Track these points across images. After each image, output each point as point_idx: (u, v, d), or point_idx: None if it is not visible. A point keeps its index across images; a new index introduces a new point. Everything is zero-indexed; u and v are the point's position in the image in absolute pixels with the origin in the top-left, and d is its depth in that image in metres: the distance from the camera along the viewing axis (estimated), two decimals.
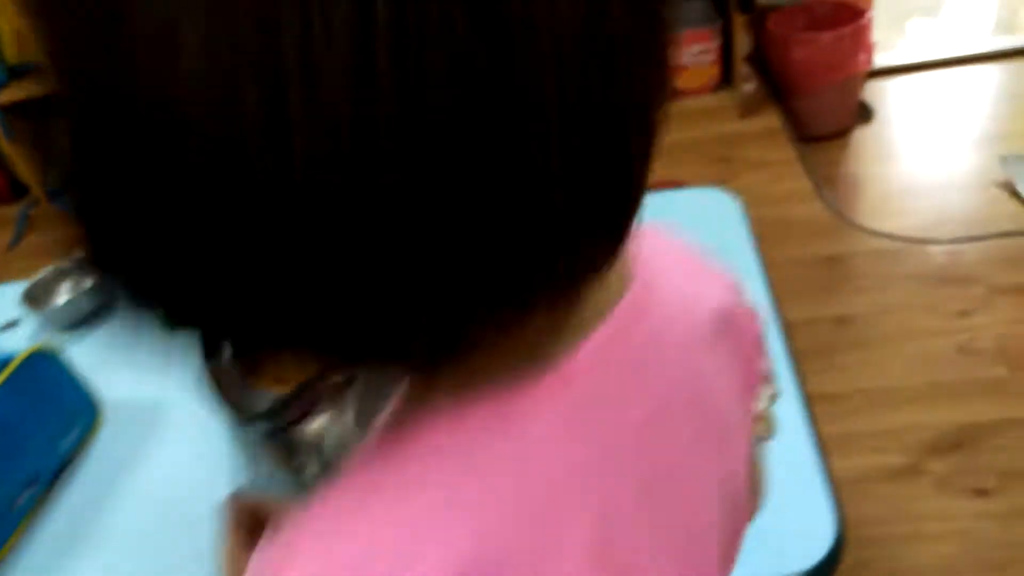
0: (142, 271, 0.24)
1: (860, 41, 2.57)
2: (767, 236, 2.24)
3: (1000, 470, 1.56)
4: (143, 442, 0.99)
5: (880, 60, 2.90)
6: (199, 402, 0.82)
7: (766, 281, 1.13)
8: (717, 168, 2.55)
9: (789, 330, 1.91)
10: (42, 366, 0.97)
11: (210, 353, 0.81)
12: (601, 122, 0.25)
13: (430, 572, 0.27)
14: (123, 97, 0.21)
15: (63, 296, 1.24)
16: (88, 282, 1.21)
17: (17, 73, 2.90)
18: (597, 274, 0.30)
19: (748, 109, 2.73)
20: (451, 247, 0.23)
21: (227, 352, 0.81)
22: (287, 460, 0.81)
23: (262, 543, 0.32)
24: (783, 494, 0.57)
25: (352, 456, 0.33)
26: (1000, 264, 1.98)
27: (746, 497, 0.48)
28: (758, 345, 0.50)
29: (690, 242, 0.55)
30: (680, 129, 2.72)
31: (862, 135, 2.73)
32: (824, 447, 0.87)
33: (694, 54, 2.67)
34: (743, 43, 2.66)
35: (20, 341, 1.17)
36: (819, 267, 2.10)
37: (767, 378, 0.51)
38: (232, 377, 0.82)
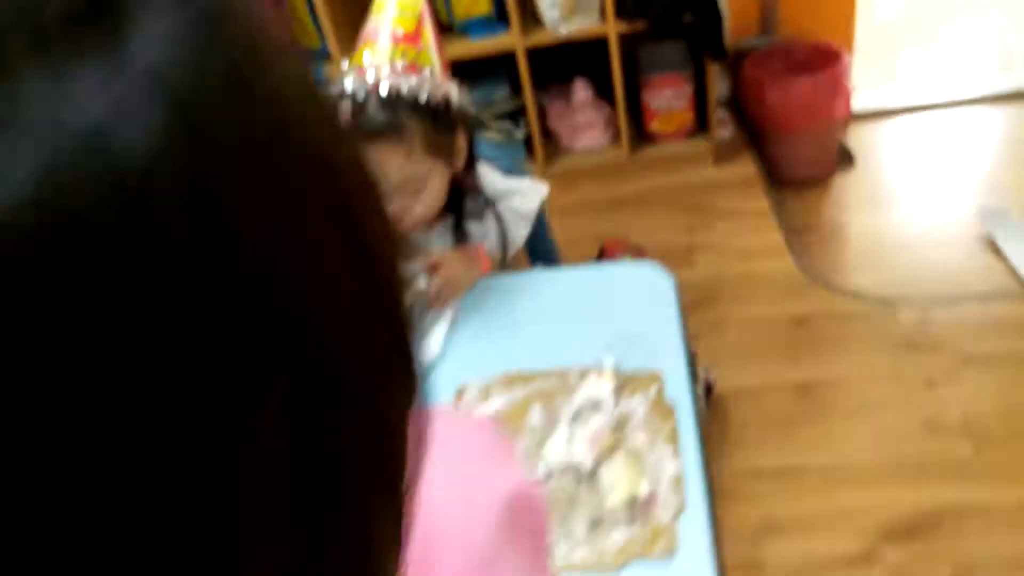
0: None
1: (837, 86, 2.50)
2: (733, 292, 2.19)
3: (957, 560, 1.47)
4: None
5: (865, 102, 2.83)
6: None
7: (687, 360, 1.07)
8: (689, 216, 2.47)
9: (748, 397, 1.84)
10: None
11: None
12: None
13: None
14: None
15: None
16: None
17: None
18: None
19: (723, 156, 2.66)
20: None
21: None
22: None
23: None
24: None
25: None
26: (971, 330, 1.89)
27: None
28: (545, 524, 0.49)
29: (482, 427, 0.51)
30: (652, 175, 2.66)
31: (842, 182, 2.65)
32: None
33: (667, 99, 2.60)
34: (717, 88, 2.59)
35: None
36: (784, 328, 2.02)
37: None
38: None
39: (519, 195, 1.32)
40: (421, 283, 1.19)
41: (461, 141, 1.24)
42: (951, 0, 3.35)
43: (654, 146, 2.70)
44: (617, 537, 0.87)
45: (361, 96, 1.11)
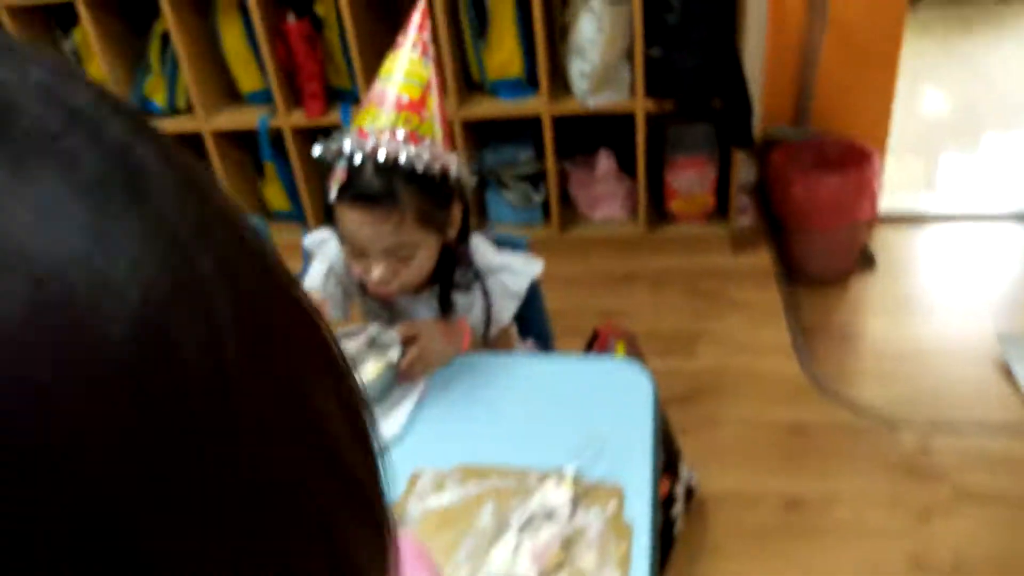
0: None
1: (866, 187, 2.45)
2: (732, 389, 2.13)
3: None
4: None
5: (894, 204, 2.78)
6: None
7: (654, 477, 1.01)
8: (698, 303, 2.42)
9: (732, 502, 1.77)
10: None
11: None
12: None
13: None
14: None
15: None
16: None
17: None
18: None
19: (740, 244, 2.61)
20: None
21: None
22: None
23: None
24: None
25: None
26: (974, 463, 1.81)
27: None
28: None
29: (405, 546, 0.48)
30: (666, 255, 2.61)
31: (861, 285, 2.59)
32: None
33: (690, 180, 2.57)
34: (742, 175, 2.56)
35: None
36: (780, 434, 1.94)
37: None
38: None
39: (510, 272, 1.28)
40: (395, 354, 1.15)
41: (456, 212, 1.21)
42: (1000, 105, 3.30)
43: (672, 226, 2.66)
44: None
45: (358, 159, 1.08)
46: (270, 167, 2.80)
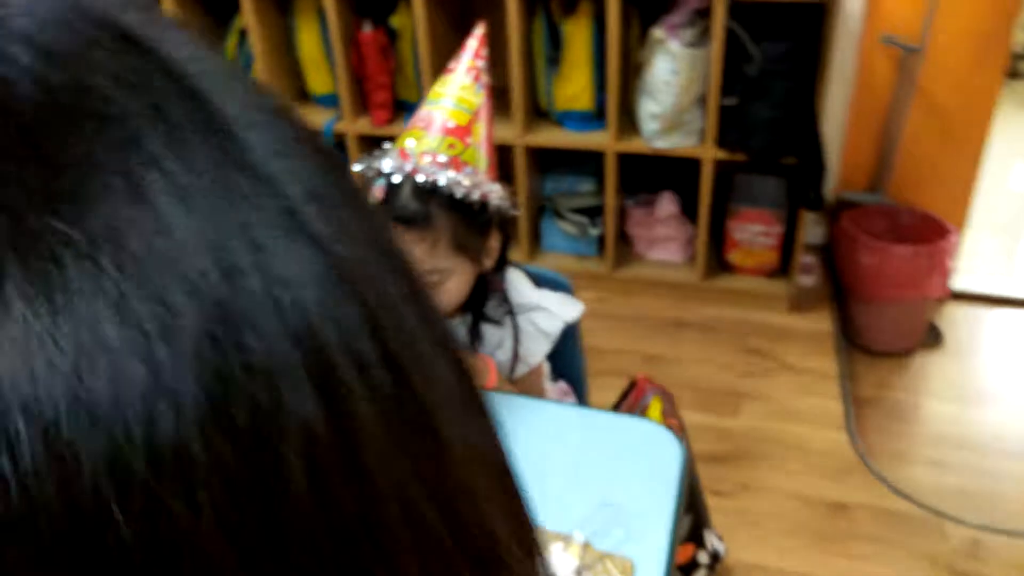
0: None
1: (939, 264, 2.33)
2: (773, 455, 2.02)
3: None
4: None
5: (969, 282, 2.64)
6: None
7: (671, 542, 0.94)
8: (748, 360, 2.32)
9: None
10: None
11: None
12: None
13: None
14: None
15: None
16: None
17: None
18: None
19: (800, 304, 2.50)
20: None
21: None
22: None
23: None
24: None
25: None
26: (1019, 572, 1.67)
27: None
28: None
29: None
30: (720, 306, 2.52)
31: (923, 362, 2.45)
32: None
33: (753, 233, 2.47)
34: (809, 234, 2.46)
35: None
36: (819, 511, 1.83)
37: None
38: None
39: (545, 312, 1.22)
40: None
41: (494, 242, 1.16)
42: None
43: (730, 276, 2.57)
44: None
45: (397, 179, 1.05)
46: None
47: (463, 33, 2.63)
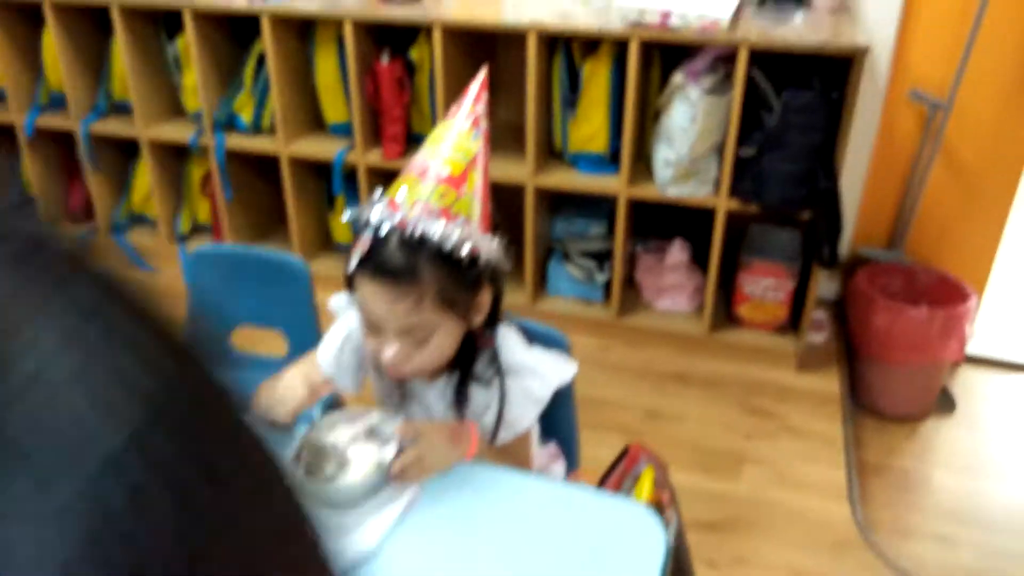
0: None
1: (955, 328, 2.25)
2: (771, 525, 1.94)
3: None
4: None
5: (985, 347, 2.56)
6: None
7: None
8: (752, 421, 2.25)
9: None
10: None
11: None
12: None
13: None
14: None
15: None
16: None
17: (118, 108, 2.97)
18: None
19: (809, 363, 2.43)
20: None
21: None
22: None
23: None
24: None
25: None
26: None
27: None
28: None
29: None
30: (726, 360, 2.46)
31: (934, 429, 2.37)
32: None
33: (764, 287, 2.41)
34: (822, 289, 2.39)
35: None
36: None
37: None
38: None
39: (536, 376, 1.17)
40: (389, 452, 1.04)
41: (485, 297, 1.11)
42: None
43: (738, 330, 2.50)
44: None
45: (384, 230, 1.00)
46: (341, 200, 2.78)
47: (480, 69, 2.61)
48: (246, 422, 0.22)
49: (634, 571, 0.94)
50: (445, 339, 1.09)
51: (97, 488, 0.16)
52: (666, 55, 2.31)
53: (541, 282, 2.66)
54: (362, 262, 1.02)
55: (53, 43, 2.75)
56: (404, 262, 1.00)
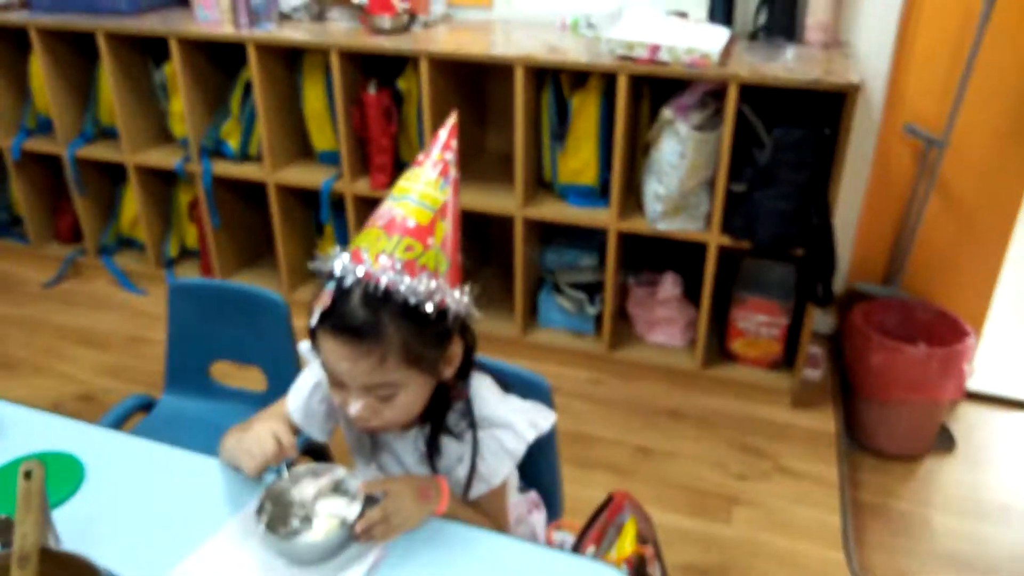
0: None
1: (953, 365, 2.20)
2: (763, 572, 1.88)
3: None
4: None
5: (985, 384, 2.51)
6: None
7: None
8: (744, 460, 2.19)
9: None
10: None
11: None
12: None
13: None
14: None
15: None
16: None
17: (105, 133, 2.94)
18: None
19: (803, 400, 2.38)
20: None
21: None
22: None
23: None
24: None
25: None
26: None
27: None
28: None
29: None
30: (719, 397, 2.41)
31: (933, 468, 2.31)
32: None
33: (757, 323, 2.36)
34: (818, 324, 2.34)
35: None
36: None
37: None
38: None
39: (510, 429, 1.12)
40: (354, 511, 0.99)
41: (455, 350, 1.06)
42: None
43: (731, 366, 2.45)
44: None
45: (348, 283, 0.96)
46: (329, 227, 2.74)
47: (469, 100, 2.59)
48: None
49: None
50: (413, 395, 1.04)
51: None
52: (656, 88, 2.27)
53: (532, 313, 2.61)
54: (324, 317, 0.97)
55: (40, 68, 2.73)
56: (367, 318, 0.95)
